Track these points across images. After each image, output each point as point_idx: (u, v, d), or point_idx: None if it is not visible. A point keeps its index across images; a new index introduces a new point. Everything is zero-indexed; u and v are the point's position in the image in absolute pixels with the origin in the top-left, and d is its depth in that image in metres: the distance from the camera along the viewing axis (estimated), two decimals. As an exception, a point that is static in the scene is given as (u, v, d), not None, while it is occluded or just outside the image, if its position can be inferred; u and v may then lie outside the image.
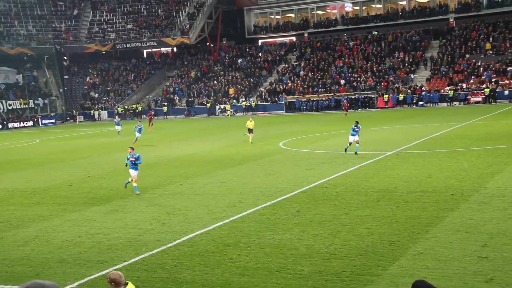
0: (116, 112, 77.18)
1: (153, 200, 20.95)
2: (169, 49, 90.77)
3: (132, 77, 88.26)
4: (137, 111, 79.73)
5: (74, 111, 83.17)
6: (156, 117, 78.02)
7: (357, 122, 29.55)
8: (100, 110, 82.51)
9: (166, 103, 79.57)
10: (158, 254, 14.13)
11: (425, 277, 11.30)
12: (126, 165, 22.71)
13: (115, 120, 54.26)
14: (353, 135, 29.00)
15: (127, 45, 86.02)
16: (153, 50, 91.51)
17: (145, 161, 32.04)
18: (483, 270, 11.55)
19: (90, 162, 33.32)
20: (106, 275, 8.02)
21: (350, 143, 29.27)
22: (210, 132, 49.75)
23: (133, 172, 22.06)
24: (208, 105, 75.95)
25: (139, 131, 41.16)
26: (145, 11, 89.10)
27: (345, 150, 29.68)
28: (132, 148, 22.77)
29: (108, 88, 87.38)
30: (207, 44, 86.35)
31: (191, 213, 18.32)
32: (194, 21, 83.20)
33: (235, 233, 15.56)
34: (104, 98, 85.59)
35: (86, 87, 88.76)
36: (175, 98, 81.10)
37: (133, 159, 22.13)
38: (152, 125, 55.23)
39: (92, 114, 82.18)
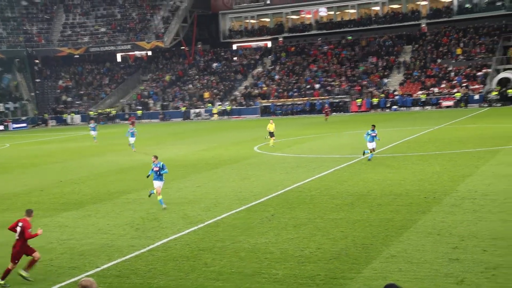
0: (89, 116, 76.35)
1: (126, 205, 20.77)
2: (144, 52, 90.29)
3: (106, 81, 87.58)
4: (110, 115, 79.11)
5: (46, 115, 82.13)
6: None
7: (374, 126, 27.42)
8: (73, 114, 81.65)
9: (140, 107, 79.10)
10: (131, 260, 14.02)
11: (397, 280, 11.42)
12: (148, 176, 20.62)
13: (90, 125, 49.81)
14: (370, 141, 26.94)
15: (101, 48, 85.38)
16: (128, 53, 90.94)
17: (118, 165, 31.87)
18: (454, 272, 11.70)
19: (62, 167, 32.93)
20: (78, 281, 7.92)
21: (373, 149, 27.14)
22: (185, 136, 49.57)
23: (156, 184, 19.84)
24: (183, 109, 75.72)
25: (132, 135, 38.06)
26: (119, 15, 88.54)
27: (369, 159, 27.05)
28: (156, 157, 20.22)
29: (81, 92, 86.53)
30: (182, 48, 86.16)
31: (165, 218, 18.22)
32: (169, 25, 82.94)
33: (210, 238, 15.52)
34: (77, 102, 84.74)
35: (59, 90, 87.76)
36: (149, 102, 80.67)
37: (157, 169, 19.88)
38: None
39: (64, 118, 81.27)
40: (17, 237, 12.90)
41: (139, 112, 77.23)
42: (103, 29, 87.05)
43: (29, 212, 13.28)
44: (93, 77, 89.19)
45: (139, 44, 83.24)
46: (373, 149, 27.15)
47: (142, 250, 14.71)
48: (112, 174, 28.82)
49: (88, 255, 14.64)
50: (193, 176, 26.40)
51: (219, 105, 74.70)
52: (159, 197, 19.56)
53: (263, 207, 18.86)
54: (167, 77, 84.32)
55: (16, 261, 12.89)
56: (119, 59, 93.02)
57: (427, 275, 11.63)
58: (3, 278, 12.83)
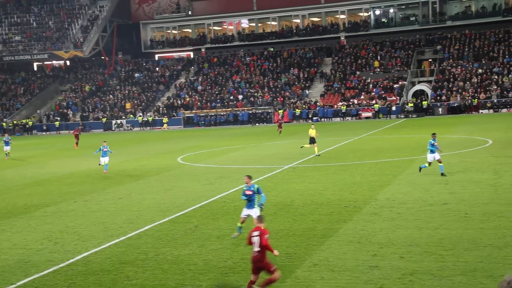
0: (2, 127, 73.15)
1: (44, 218, 20.06)
2: (62, 62, 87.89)
3: (22, 91, 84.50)
4: (27, 126, 76.35)
5: (-44, 126, 78.21)
6: (47, 133, 75.18)
7: (435, 135, 24.23)
8: (-14, 125, 78.20)
9: (58, 118, 76.81)
10: (49, 275, 13.55)
11: (320, 288, 11.59)
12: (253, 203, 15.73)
13: (4, 139, 43.93)
14: (432, 151, 23.64)
15: (15, 57, 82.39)
16: (44, 63, 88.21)
17: (35, 178, 30.74)
18: (374, 279, 12.02)
19: (-25, 180, 31.41)
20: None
21: (430, 163, 23.89)
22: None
23: (253, 212, 15.49)
24: (104, 120, 74.14)
25: (105, 154, 30.69)
26: (34, 23, 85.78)
27: (420, 169, 24.36)
28: (249, 177, 15.95)
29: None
30: (102, 57, 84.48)
31: (85, 231, 17.73)
32: (88, 34, 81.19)
33: (132, 250, 15.24)
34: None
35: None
36: (68, 112, 78.49)
37: (251, 192, 15.60)
38: (77, 143, 48.22)
39: (-23, 129, 77.68)
40: (258, 249, 11.26)
41: (56, 123, 74.95)
42: (17, 38, 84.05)
43: (261, 219, 11.76)
44: (7, 87, 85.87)
45: (56, 53, 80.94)
46: (439, 161, 23.65)
47: (61, 265, 14.24)
48: (28, 187, 27.78)
49: (2, 271, 14.01)
50: (114, 188, 25.86)
51: (139, 116, 73.56)
52: (239, 225, 15.62)
53: (187, 219, 18.72)
54: (87, 87, 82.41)
55: (271, 270, 11.29)
56: (35, 68, 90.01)
57: (348, 283, 11.89)
58: None
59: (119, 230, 17.56)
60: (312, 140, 32.99)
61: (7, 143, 42.67)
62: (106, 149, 31.00)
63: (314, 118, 66.81)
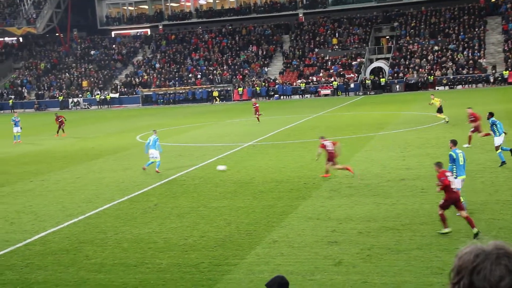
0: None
1: (0, 198, 19.66)
2: (14, 39, 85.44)
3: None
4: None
5: None
6: (1, 111, 73.30)
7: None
8: None
9: (12, 96, 74.90)
10: (6, 255, 13.36)
11: (279, 264, 11.75)
12: None
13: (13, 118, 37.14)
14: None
15: (-34, 34, 79.81)
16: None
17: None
18: (333, 254, 12.22)
19: None
20: None
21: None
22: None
23: None
24: (61, 98, 72.66)
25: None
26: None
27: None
28: None
29: None
30: (57, 34, 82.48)
31: (43, 211, 17.48)
32: (41, 10, 79.07)
33: (91, 230, 15.11)
34: None
35: None
36: (23, 91, 76.62)
37: None
38: (59, 132, 38.79)
39: None
40: None
41: (10, 102, 73.11)
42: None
43: None
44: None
45: (8, 30, 78.59)
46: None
47: (18, 245, 14.04)
48: None
49: (-42, 254, 13.73)
50: (72, 167, 25.49)
51: (97, 94, 72.31)
52: None
53: (146, 197, 18.63)
54: (42, 65, 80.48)
55: None
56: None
57: (307, 258, 12.05)
58: None
59: (78, 210, 17.37)
60: (440, 109, 31.55)
61: (16, 124, 36.49)
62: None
63: (275, 96, 66.78)
